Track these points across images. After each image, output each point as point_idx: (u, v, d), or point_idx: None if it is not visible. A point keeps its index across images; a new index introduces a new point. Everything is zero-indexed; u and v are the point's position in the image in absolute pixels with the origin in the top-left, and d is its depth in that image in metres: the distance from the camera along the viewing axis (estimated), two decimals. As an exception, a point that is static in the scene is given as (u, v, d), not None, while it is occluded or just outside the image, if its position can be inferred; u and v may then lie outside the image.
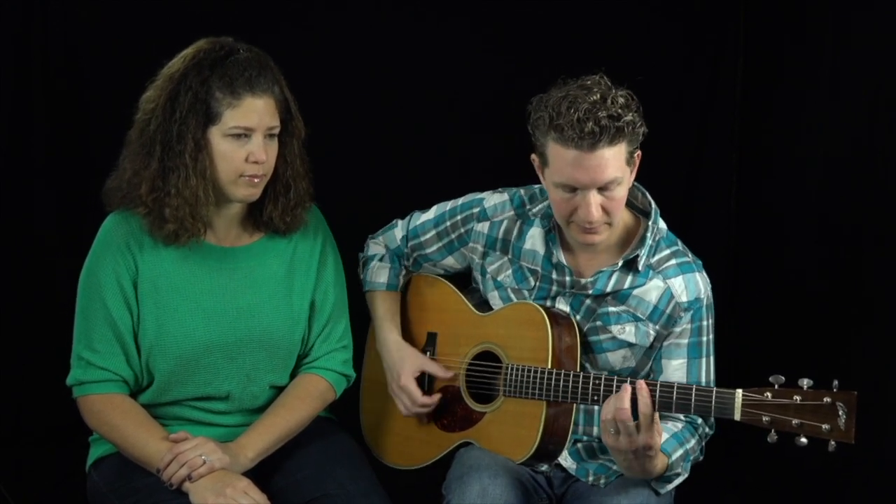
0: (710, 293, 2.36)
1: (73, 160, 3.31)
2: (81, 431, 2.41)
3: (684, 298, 2.32)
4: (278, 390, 2.41)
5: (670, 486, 2.30)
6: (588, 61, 2.26)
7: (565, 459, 2.41)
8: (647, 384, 2.13)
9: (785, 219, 3.25)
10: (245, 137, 2.22)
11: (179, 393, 2.33)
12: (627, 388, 2.11)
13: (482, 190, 2.53)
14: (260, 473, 2.30)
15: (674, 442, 2.28)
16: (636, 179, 2.35)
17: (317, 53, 3.30)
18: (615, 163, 2.17)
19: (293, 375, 2.44)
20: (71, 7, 3.22)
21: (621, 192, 2.22)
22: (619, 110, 2.15)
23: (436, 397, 2.47)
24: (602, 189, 2.19)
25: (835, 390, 1.97)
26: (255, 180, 2.26)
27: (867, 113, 2.87)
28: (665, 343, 2.34)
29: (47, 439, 3.27)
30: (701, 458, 2.38)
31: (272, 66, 2.28)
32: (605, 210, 2.21)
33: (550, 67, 2.27)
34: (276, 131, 2.27)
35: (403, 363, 2.50)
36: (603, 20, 3.34)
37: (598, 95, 2.15)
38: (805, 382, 1.99)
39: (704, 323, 2.34)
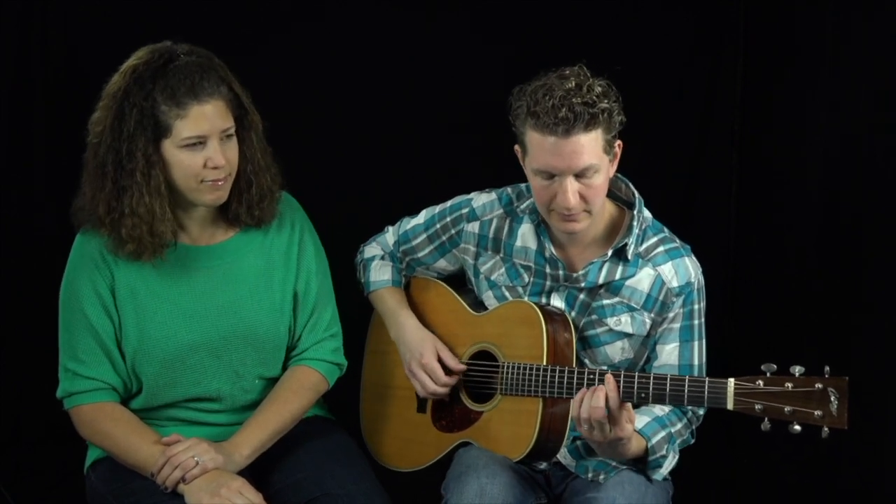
0: (700, 277, 2.37)
1: (73, 160, 3.30)
2: (80, 432, 2.42)
3: (675, 284, 2.34)
4: (270, 384, 2.41)
5: (662, 471, 2.32)
6: (587, 61, 2.27)
7: (564, 457, 2.41)
8: (640, 376, 2.16)
9: (785, 219, 3.24)
10: (200, 145, 2.20)
11: (170, 396, 2.32)
12: (601, 387, 2.13)
13: (472, 191, 2.54)
14: (259, 473, 2.31)
15: (655, 425, 2.30)
16: (634, 175, 2.36)
17: (309, 55, 3.30)
18: (591, 149, 2.19)
19: (286, 368, 2.44)
20: (71, 7, 3.22)
21: (599, 180, 2.24)
22: (595, 98, 2.18)
23: (455, 378, 2.46)
24: (579, 176, 2.21)
25: (826, 376, 1.98)
26: (219, 183, 2.24)
27: (867, 113, 2.87)
28: (659, 329, 2.36)
29: (47, 439, 3.27)
30: (692, 441, 2.41)
31: (216, 64, 2.24)
32: (584, 198, 2.23)
33: (546, 68, 2.27)
34: (232, 131, 2.24)
35: (425, 343, 2.49)
36: (603, 19, 3.34)
37: (574, 83, 2.19)
38: (797, 369, 2.00)
39: (696, 307, 2.36)
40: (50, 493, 3.09)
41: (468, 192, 2.54)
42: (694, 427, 2.40)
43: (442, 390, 2.47)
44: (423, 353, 2.47)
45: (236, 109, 2.25)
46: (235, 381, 2.35)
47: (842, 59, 2.98)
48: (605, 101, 2.20)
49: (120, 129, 2.18)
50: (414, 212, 2.62)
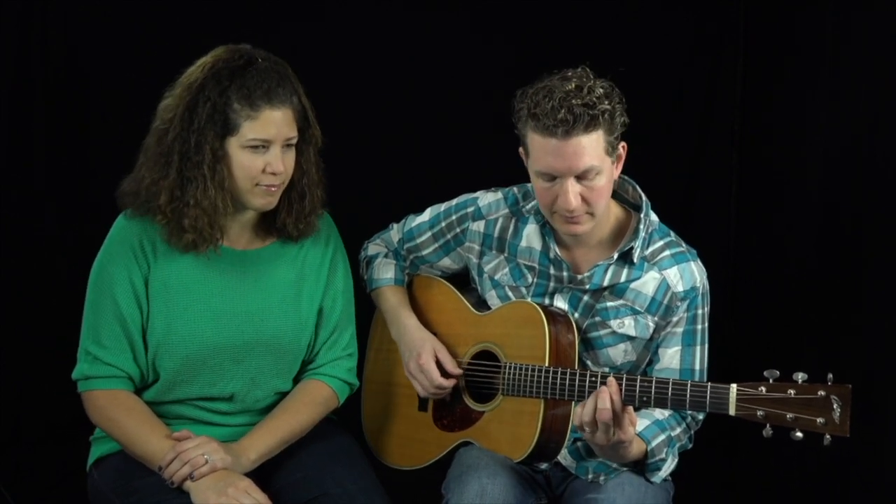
0: (706, 281, 2.37)
1: (73, 160, 3.31)
2: (81, 431, 2.42)
3: (680, 288, 2.33)
4: (281, 395, 2.42)
5: (661, 473, 2.33)
6: (588, 61, 2.27)
7: (564, 458, 2.41)
8: (642, 379, 2.16)
9: (785, 219, 3.24)
10: (263, 148, 2.23)
11: (183, 392, 2.33)
12: (606, 389, 2.13)
13: (478, 190, 2.54)
14: (261, 473, 2.31)
15: (655, 428, 2.31)
16: (635, 175, 2.35)
17: (309, 57, 3.29)
18: (592, 151, 2.19)
19: (296, 381, 2.45)
20: (71, 7, 3.22)
21: (601, 182, 2.23)
22: (595, 99, 2.17)
23: (452, 381, 2.46)
24: (581, 178, 2.21)
25: (829, 384, 1.97)
26: (273, 189, 2.27)
27: (867, 113, 2.87)
28: (663, 332, 2.36)
29: (47, 439, 3.27)
30: (689, 445, 2.41)
31: (290, 74, 2.28)
32: (586, 200, 2.23)
33: (548, 69, 2.28)
34: (294, 141, 2.29)
35: (424, 343, 2.49)
36: (603, 20, 3.34)
37: (574, 85, 2.18)
38: (799, 376, 2.00)
39: (700, 311, 2.36)
40: (50, 493, 3.09)
41: (470, 191, 2.54)
42: (692, 432, 2.40)
43: (439, 393, 2.47)
44: (420, 355, 2.47)
45: (301, 121, 2.29)
46: (250, 387, 2.36)
47: (842, 59, 2.98)
48: (607, 102, 2.18)
49: (191, 120, 2.21)
50: (416, 210, 2.62)
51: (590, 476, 2.38)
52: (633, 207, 2.40)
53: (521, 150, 2.31)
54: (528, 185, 2.45)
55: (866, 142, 2.88)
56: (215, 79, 2.21)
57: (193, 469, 2.17)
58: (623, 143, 2.26)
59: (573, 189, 2.21)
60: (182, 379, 2.31)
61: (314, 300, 2.42)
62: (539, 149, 2.21)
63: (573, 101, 2.16)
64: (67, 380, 2.32)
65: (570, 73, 2.22)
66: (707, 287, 2.37)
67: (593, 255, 2.37)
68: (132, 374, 2.30)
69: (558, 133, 2.17)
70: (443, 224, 2.54)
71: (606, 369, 2.36)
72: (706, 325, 2.38)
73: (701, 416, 2.39)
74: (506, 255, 2.45)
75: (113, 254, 2.30)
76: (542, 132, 2.19)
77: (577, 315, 2.38)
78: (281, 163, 2.25)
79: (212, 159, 2.22)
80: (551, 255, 2.39)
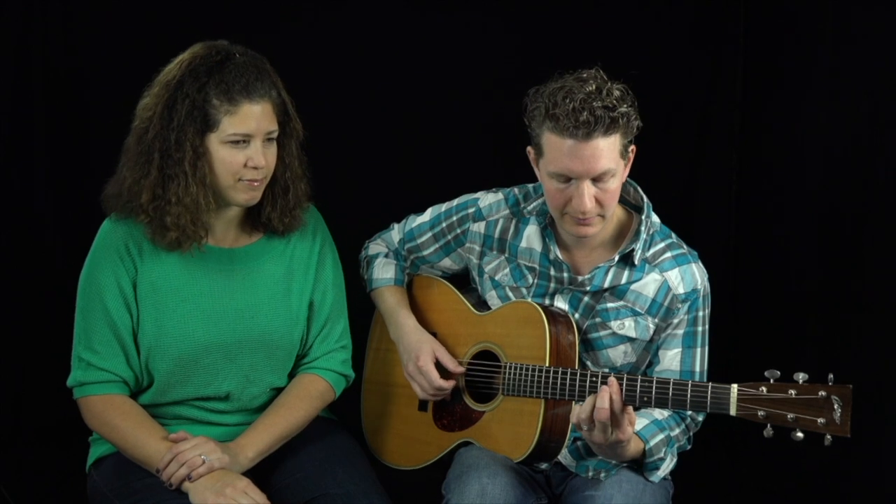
0: (707, 283, 2.37)
1: (72, 160, 3.31)
2: (81, 431, 2.42)
3: (681, 290, 2.33)
4: (277, 391, 2.42)
5: (659, 473, 2.33)
6: (588, 61, 2.27)
7: (565, 458, 2.41)
8: (643, 379, 2.15)
9: (785, 218, 3.24)
10: (244, 143, 2.23)
11: (179, 393, 2.33)
12: (606, 389, 2.13)
13: (479, 190, 2.54)
14: (260, 472, 2.31)
15: (654, 428, 2.31)
16: (634, 176, 2.35)
17: (311, 54, 3.30)
18: (609, 154, 2.19)
19: (291, 376, 2.45)
20: (71, 7, 3.22)
21: (614, 185, 2.24)
22: (615, 102, 2.17)
23: (451, 382, 2.46)
24: (596, 180, 2.21)
25: (830, 384, 1.98)
26: (255, 184, 2.27)
27: (867, 112, 2.87)
28: (663, 334, 2.36)
29: (47, 439, 3.27)
30: (688, 447, 2.42)
31: (269, 69, 2.28)
32: (599, 202, 2.23)
33: (549, 68, 2.27)
34: (275, 135, 2.28)
35: (422, 345, 2.49)
36: (604, 19, 3.34)
37: (594, 87, 2.18)
38: (800, 377, 2.00)
39: (700, 313, 2.36)
40: (50, 493, 3.08)
41: (474, 191, 2.54)
42: (692, 433, 2.41)
43: (437, 394, 2.47)
44: (419, 356, 2.47)
45: (281, 115, 2.29)
46: (245, 385, 2.36)
47: (841, 59, 2.98)
48: (624, 105, 2.19)
49: (170, 117, 2.21)
50: (418, 210, 2.62)
51: (590, 474, 2.38)
52: (634, 209, 2.41)
53: (529, 149, 2.30)
54: (529, 185, 2.45)
55: (866, 142, 2.88)
56: (193, 75, 2.21)
57: (191, 470, 2.18)
58: (633, 147, 2.26)
59: (588, 191, 2.21)
60: (176, 380, 2.32)
61: (304, 294, 2.42)
62: (556, 150, 2.20)
63: (594, 103, 2.15)
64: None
65: (585, 74, 2.21)
66: (708, 289, 2.37)
67: (594, 256, 2.37)
68: (126, 378, 2.30)
69: (579, 135, 2.16)
70: (443, 224, 2.54)
71: (606, 370, 2.36)
72: (707, 327, 2.38)
73: (701, 418, 2.39)
74: (506, 255, 2.45)
75: (100, 259, 2.30)
76: (560, 133, 2.18)
77: (577, 316, 2.38)
78: (262, 157, 2.24)
79: (192, 156, 2.21)
80: (551, 256, 2.39)
